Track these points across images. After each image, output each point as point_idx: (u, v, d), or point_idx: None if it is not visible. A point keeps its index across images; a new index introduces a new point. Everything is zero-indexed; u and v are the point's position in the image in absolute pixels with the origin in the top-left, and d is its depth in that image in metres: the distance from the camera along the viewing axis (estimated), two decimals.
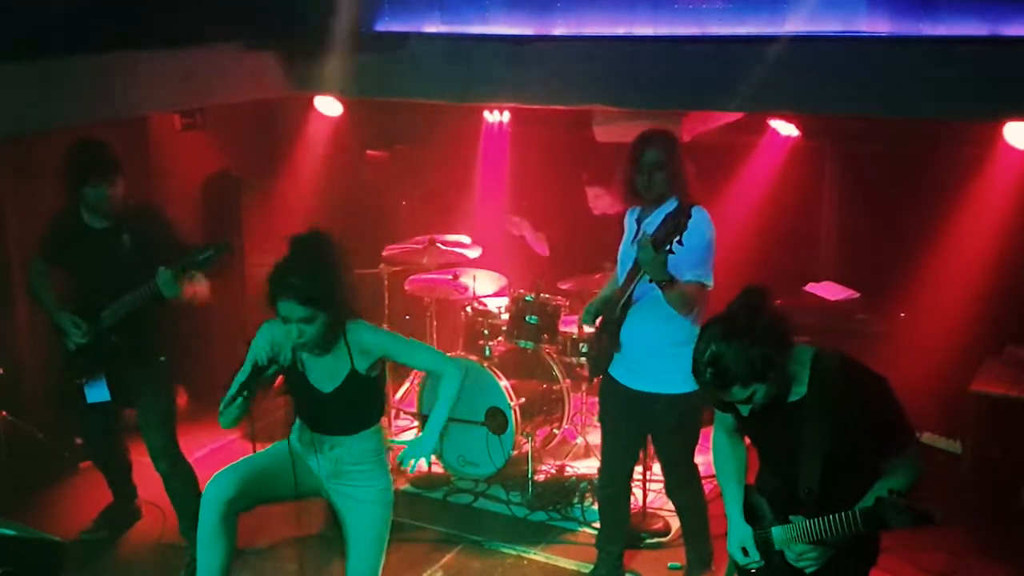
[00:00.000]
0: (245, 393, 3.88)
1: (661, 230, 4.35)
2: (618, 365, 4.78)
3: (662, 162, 4.56)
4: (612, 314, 4.71)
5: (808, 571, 3.42)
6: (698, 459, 4.96)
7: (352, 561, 4.08)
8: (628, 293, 4.62)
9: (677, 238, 4.22)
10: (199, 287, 4.99)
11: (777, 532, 3.51)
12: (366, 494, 4.09)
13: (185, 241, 5.12)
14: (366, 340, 3.97)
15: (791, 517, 3.43)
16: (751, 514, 3.62)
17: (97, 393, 5.13)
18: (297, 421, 4.18)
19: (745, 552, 3.59)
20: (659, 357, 4.63)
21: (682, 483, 4.92)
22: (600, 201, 6.21)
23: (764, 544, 3.56)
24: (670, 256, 4.30)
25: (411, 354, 4.11)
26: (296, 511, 5.73)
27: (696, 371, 3.31)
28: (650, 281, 4.44)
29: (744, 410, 3.35)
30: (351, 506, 4.11)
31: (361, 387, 4.00)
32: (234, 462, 4.17)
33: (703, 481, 5.00)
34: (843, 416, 3.27)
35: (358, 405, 4.04)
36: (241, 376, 3.95)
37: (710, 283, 4.53)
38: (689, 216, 4.22)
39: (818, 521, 3.33)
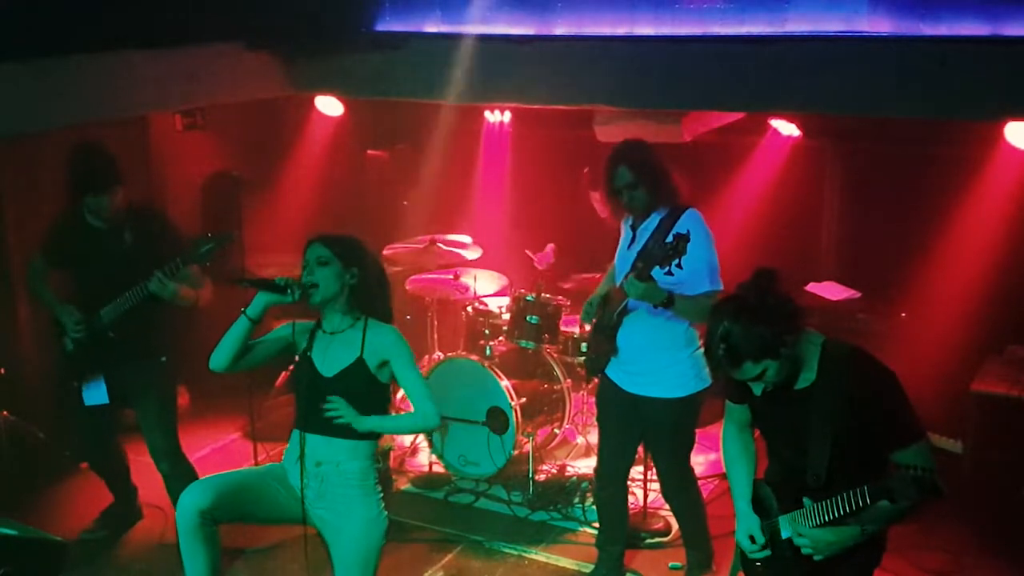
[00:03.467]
0: (246, 304, 3.97)
1: (648, 256, 4.34)
2: (615, 368, 4.78)
3: (634, 180, 4.52)
4: (609, 318, 4.70)
5: (815, 557, 3.43)
6: (697, 459, 4.95)
7: None
8: (625, 299, 4.61)
9: (676, 261, 4.20)
10: (201, 290, 5.00)
11: (784, 520, 3.53)
12: (349, 523, 3.96)
13: (186, 240, 5.12)
14: (383, 338, 3.97)
15: (802, 499, 3.45)
16: (758, 507, 3.66)
17: (95, 395, 5.12)
18: (293, 434, 4.08)
19: (752, 540, 3.61)
20: (655, 361, 4.63)
21: (678, 487, 4.92)
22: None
23: (771, 535, 3.58)
24: (675, 278, 4.29)
25: (408, 375, 3.97)
26: None
27: (709, 349, 3.38)
28: (655, 307, 4.43)
29: (757, 388, 3.40)
30: (334, 536, 4.00)
31: (363, 380, 3.96)
32: (216, 473, 4.13)
33: (701, 481, 4.99)
34: (851, 405, 3.31)
35: (355, 400, 3.95)
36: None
37: (720, 287, 4.50)
38: (687, 239, 4.18)
39: (826, 503, 3.35)
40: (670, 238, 4.28)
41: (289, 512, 4.05)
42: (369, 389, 4.00)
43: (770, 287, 3.36)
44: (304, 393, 4.00)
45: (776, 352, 3.29)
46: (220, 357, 4.01)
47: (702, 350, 4.62)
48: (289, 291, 3.91)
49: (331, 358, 3.98)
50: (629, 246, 4.68)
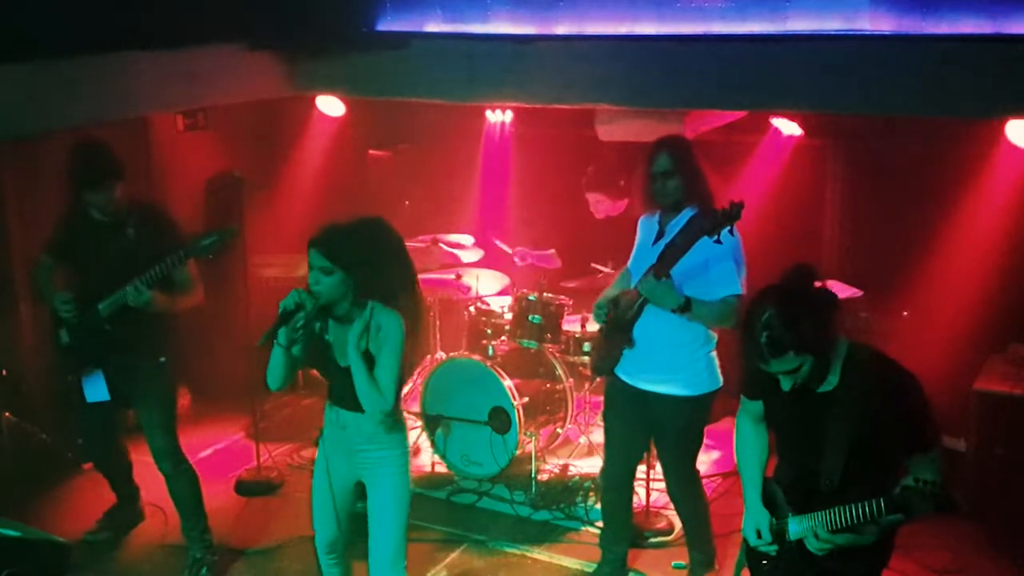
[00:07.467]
0: (274, 339, 4.01)
1: (671, 251, 4.33)
2: (627, 365, 4.75)
3: (673, 169, 4.54)
4: (627, 313, 4.67)
5: (820, 554, 3.43)
6: (701, 457, 4.94)
7: (373, 534, 4.21)
8: (642, 296, 4.58)
9: (728, 227, 4.18)
10: (186, 295, 4.99)
11: (793, 523, 3.51)
12: (381, 471, 4.18)
13: (188, 237, 5.12)
14: (381, 322, 4.02)
15: (812, 502, 3.44)
16: (767, 504, 3.64)
17: (96, 392, 5.12)
18: (327, 406, 4.27)
19: (759, 535, 3.59)
20: (673, 358, 4.60)
21: (684, 487, 4.90)
22: (600, 206, 6.20)
23: (778, 534, 3.56)
24: (724, 247, 4.28)
25: (384, 363, 4.03)
26: (297, 511, 5.74)
27: (750, 336, 3.28)
28: (672, 311, 4.42)
29: (786, 383, 3.33)
30: (372, 481, 4.22)
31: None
32: (317, 505, 4.32)
33: (704, 480, 4.98)
34: (873, 410, 3.29)
35: None
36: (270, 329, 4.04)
37: (740, 291, 4.48)
38: (742, 205, 4.17)
39: (839, 510, 3.34)
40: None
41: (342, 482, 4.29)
42: None
43: (815, 280, 3.33)
44: (329, 382, 4.20)
45: (818, 347, 3.24)
46: (274, 380, 4.15)
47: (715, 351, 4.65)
48: (301, 311, 3.99)
49: (343, 346, 4.05)
50: (654, 242, 4.63)
